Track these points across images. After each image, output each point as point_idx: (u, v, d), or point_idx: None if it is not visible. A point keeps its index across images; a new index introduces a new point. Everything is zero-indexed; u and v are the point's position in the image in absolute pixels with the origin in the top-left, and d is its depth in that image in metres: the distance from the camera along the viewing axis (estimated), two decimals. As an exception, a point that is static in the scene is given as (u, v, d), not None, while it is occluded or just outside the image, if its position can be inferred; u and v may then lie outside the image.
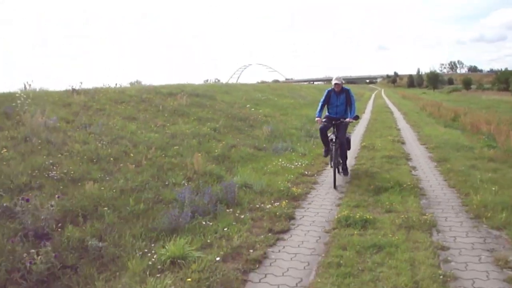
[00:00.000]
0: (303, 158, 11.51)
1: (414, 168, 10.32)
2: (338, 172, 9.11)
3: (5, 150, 7.54)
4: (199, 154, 9.22)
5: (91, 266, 4.78)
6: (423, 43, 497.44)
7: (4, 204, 5.53)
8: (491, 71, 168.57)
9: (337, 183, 8.58)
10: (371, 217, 6.36)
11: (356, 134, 17.51)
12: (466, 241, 5.55)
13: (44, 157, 7.62)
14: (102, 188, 6.77)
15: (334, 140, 8.98)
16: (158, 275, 4.55)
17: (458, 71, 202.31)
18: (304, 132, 16.39)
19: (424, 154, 12.35)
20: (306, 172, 9.87)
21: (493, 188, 7.61)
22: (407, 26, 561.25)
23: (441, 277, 4.45)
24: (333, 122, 9.16)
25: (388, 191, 7.88)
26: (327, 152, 9.53)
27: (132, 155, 8.74)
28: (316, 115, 9.32)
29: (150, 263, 4.83)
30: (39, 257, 4.42)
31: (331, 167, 9.14)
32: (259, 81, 79.61)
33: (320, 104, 9.41)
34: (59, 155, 7.86)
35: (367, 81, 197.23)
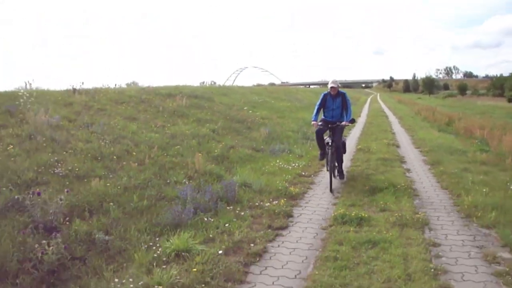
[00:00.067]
0: (300, 159, 11.77)
1: (408, 170, 10.59)
2: (334, 176, 9.04)
3: (11, 147, 7.75)
4: (200, 154, 9.46)
5: (98, 258, 5.01)
6: (419, 48, 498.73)
7: (16, 197, 5.72)
8: (487, 77, 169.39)
9: (333, 186, 8.61)
10: (366, 215, 6.62)
11: (352, 137, 17.78)
12: (457, 238, 5.82)
13: (49, 154, 7.83)
14: (108, 184, 7.01)
15: (330, 143, 8.95)
16: (164, 266, 4.78)
17: (453, 76, 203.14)
18: (301, 134, 16.64)
19: (418, 157, 12.62)
20: (303, 173, 10.12)
21: (484, 190, 7.90)
22: (403, 31, 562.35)
23: (432, 270, 4.71)
24: (329, 125, 9.17)
25: (383, 191, 8.12)
26: (323, 155, 9.49)
27: (134, 153, 8.98)
28: (312, 119, 9.32)
29: (155, 255, 5.07)
30: (51, 247, 4.63)
31: (327, 170, 9.13)
32: (255, 84, 79.75)
33: (316, 108, 9.38)
34: (64, 153, 8.07)
35: (363, 85, 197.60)
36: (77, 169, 7.41)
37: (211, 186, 7.60)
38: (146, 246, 5.35)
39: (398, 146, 14.87)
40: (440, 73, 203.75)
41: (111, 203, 6.40)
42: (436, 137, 17.01)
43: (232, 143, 12.41)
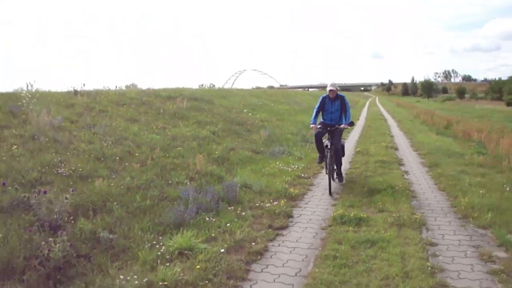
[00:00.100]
0: (300, 161, 11.89)
1: (406, 172, 10.71)
2: (333, 179, 9.03)
3: (15, 147, 7.86)
4: (201, 155, 9.58)
5: (103, 256, 5.12)
6: (418, 51, 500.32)
7: (23, 194, 5.84)
8: (485, 80, 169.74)
9: (332, 189, 8.59)
10: (364, 215, 6.76)
11: (351, 140, 17.92)
12: (454, 238, 5.94)
13: (52, 154, 7.94)
14: (112, 184, 7.12)
15: (329, 146, 8.94)
16: (168, 264, 4.90)
17: (452, 80, 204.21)
18: (300, 137, 16.76)
19: (416, 160, 12.75)
20: (303, 175, 10.24)
21: (481, 191, 8.04)
22: (402, 33, 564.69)
23: (429, 268, 4.83)
24: (328, 128, 9.14)
25: (381, 193, 8.25)
26: (322, 158, 9.47)
27: (137, 154, 9.10)
28: (311, 122, 9.29)
29: (159, 253, 5.19)
30: (57, 245, 4.74)
31: (326, 173, 9.08)
32: (254, 87, 79.96)
33: (315, 111, 9.38)
34: (67, 153, 8.19)
35: (362, 88, 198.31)
36: (80, 169, 7.52)
37: (212, 187, 7.72)
38: (149, 244, 5.47)
39: (396, 149, 15.00)
40: (439, 76, 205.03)
41: (115, 203, 6.53)
42: (434, 140, 17.14)
43: (232, 145, 12.53)
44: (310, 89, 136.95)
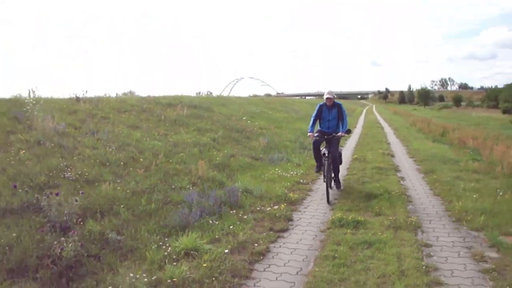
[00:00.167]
0: (298, 168, 12.14)
1: (402, 178, 10.97)
2: (330, 187, 8.99)
3: (23, 151, 8.08)
4: (203, 161, 9.83)
5: (112, 256, 5.34)
6: (414, 59, 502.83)
7: (36, 195, 6.08)
8: (482, 88, 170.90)
9: (330, 197, 8.58)
10: (362, 219, 7.00)
11: (348, 147, 18.17)
12: (448, 240, 6.19)
13: (59, 159, 8.16)
14: (118, 188, 7.36)
15: (326, 154, 8.94)
16: (175, 263, 5.14)
17: (449, 88, 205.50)
18: (298, 144, 17.01)
19: (412, 166, 13.01)
20: (302, 181, 10.48)
21: (475, 196, 8.32)
22: (398, 43, 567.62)
23: (424, 267, 5.09)
24: (325, 136, 9.16)
25: (378, 198, 8.49)
26: (319, 168, 9.47)
27: (141, 160, 9.34)
28: (309, 130, 9.22)
29: (166, 253, 5.43)
30: (70, 244, 4.97)
31: (324, 181, 9.01)
32: (251, 95, 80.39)
33: (312, 119, 9.34)
34: (73, 158, 8.41)
35: (359, 96, 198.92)
36: (86, 174, 7.75)
37: (215, 192, 7.97)
38: (156, 245, 5.70)
39: (393, 156, 15.27)
40: (436, 84, 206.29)
41: (121, 206, 6.77)
42: (430, 147, 17.42)
43: (232, 151, 12.77)
44: (307, 97, 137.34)
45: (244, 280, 4.90)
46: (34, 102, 11.11)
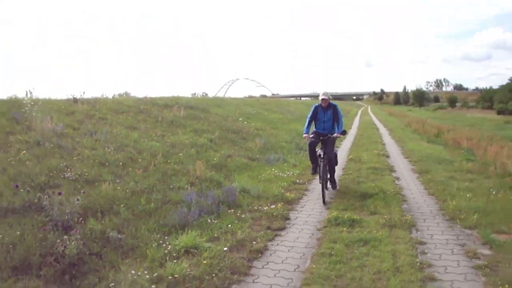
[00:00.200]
0: (294, 168, 12.27)
1: (397, 178, 11.12)
2: (326, 188, 8.95)
3: (24, 152, 8.17)
4: (200, 162, 9.95)
5: (113, 254, 5.46)
6: (409, 60, 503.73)
7: (38, 194, 6.19)
8: (476, 89, 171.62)
9: (326, 198, 8.59)
10: (358, 217, 7.14)
11: (343, 148, 18.32)
12: (441, 237, 6.34)
13: (58, 159, 8.27)
14: (118, 188, 7.47)
15: (322, 155, 8.91)
16: (175, 260, 5.26)
17: (444, 89, 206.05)
18: (294, 145, 17.16)
19: (407, 167, 13.17)
20: (298, 181, 10.61)
21: (468, 195, 8.48)
22: (393, 44, 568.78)
23: (418, 264, 5.23)
24: (321, 137, 9.12)
25: (373, 197, 8.63)
26: (315, 169, 9.43)
27: (140, 160, 9.45)
28: (304, 131, 9.31)
29: (166, 251, 5.54)
30: (73, 242, 5.08)
31: (320, 183, 8.96)
32: (247, 96, 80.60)
33: (307, 120, 9.38)
34: (72, 159, 8.52)
35: (354, 97, 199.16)
36: (86, 174, 7.86)
37: (213, 191, 8.08)
38: (156, 243, 5.81)
39: (388, 156, 15.42)
40: (431, 85, 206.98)
41: (121, 205, 6.89)
42: (425, 148, 17.58)
43: (229, 152, 12.89)
44: (302, 98, 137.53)
45: (243, 276, 5.02)
46: (32, 103, 11.20)
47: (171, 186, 8.43)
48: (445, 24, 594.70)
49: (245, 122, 20.18)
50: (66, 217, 5.91)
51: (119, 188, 7.53)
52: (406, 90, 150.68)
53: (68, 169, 7.93)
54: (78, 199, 6.13)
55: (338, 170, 11.36)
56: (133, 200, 7.27)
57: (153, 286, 4.60)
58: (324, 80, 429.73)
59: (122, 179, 8.17)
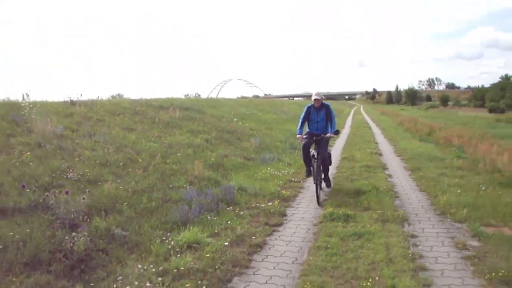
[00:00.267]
0: (289, 167, 12.55)
1: (390, 175, 11.43)
2: (321, 188, 8.98)
3: (28, 153, 8.35)
4: (199, 161, 10.19)
5: (119, 250, 5.70)
6: (401, 60, 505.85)
7: (46, 193, 6.42)
8: (469, 88, 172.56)
9: (320, 199, 8.62)
10: (352, 213, 7.43)
11: (337, 147, 18.62)
12: (432, 231, 6.65)
13: (60, 160, 8.46)
14: (120, 187, 7.70)
15: (315, 156, 8.92)
16: (179, 255, 5.51)
17: (436, 87, 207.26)
18: (289, 144, 17.45)
19: (399, 164, 13.49)
20: (293, 179, 10.88)
21: (458, 191, 8.81)
22: (385, 43, 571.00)
23: (410, 255, 5.52)
24: (314, 138, 9.15)
25: (367, 194, 8.92)
26: (309, 172, 9.43)
27: (140, 160, 9.67)
28: (297, 132, 9.34)
29: (169, 246, 5.80)
30: (81, 238, 5.31)
31: (314, 183, 8.90)
32: (240, 96, 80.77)
33: (300, 121, 9.38)
34: (73, 160, 8.71)
35: (346, 97, 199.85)
36: (88, 174, 8.08)
37: (211, 190, 8.35)
38: (159, 239, 6.06)
39: (380, 155, 15.74)
40: (423, 84, 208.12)
41: (124, 204, 7.13)
42: (417, 146, 17.93)
43: (225, 152, 13.14)
44: (295, 98, 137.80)
45: (244, 269, 5.29)
46: (31, 105, 11.38)
47: (171, 186, 8.67)
48: (438, 24, 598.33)
49: (240, 123, 20.43)
50: (72, 215, 6.14)
51: (121, 187, 7.76)
52: (399, 89, 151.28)
53: (70, 170, 8.14)
54: (84, 198, 6.37)
55: (332, 169, 11.63)
56: (135, 199, 7.51)
57: (160, 278, 4.84)
58: (317, 80, 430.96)
59: (123, 179, 8.39)
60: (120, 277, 4.89)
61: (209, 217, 7.12)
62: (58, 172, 7.84)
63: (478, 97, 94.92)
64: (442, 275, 4.99)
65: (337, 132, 9.26)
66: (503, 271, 4.88)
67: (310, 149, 9.27)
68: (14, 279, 4.68)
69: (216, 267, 5.19)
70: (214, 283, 4.84)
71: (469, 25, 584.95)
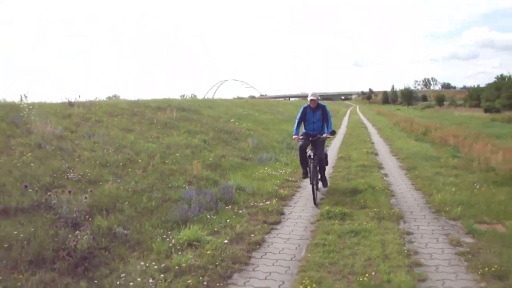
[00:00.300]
0: (286, 167, 12.69)
1: (386, 175, 11.59)
2: (317, 188, 8.92)
3: (29, 154, 8.45)
4: (197, 162, 10.32)
5: (121, 248, 5.82)
6: (398, 60, 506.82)
7: (49, 193, 6.53)
8: (464, 88, 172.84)
9: (317, 200, 8.60)
10: (348, 211, 7.59)
11: (333, 147, 18.78)
12: (427, 228, 6.80)
13: (60, 161, 8.56)
14: (121, 187, 7.83)
15: (312, 156, 8.90)
16: (180, 252, 5.64)
17: (432, 87, 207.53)
18: (285, 144, 17.59)
19: (395, 164, 13.66)
20: (290, 178, 11.02)
21: (453, 189, 8.98)
22: (382, 43, 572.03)
23: (406, 251, 5.68)
24: (310, 138, 9.15)
25: (363, 192, 9.06)
26: (305, 174, 9.40)
27: (140, 161, 9.79)
28: (294, 133, 9.28)
29: (170, 244, 5.93)
30: (84, 237, 5.43)
31: (311, 183, 8.78)
32: (235, 97, 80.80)
33: (296, 121, 9.35)
34: (74, 160, 8.82)
35: (343, 97, 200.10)
36: (88, 175, 8.19)
37: (210, 189, 8.49)
38: (160, 238, 6.19)
39: (376, 154, 15.92)
40: (419, 84, 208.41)
41: (125, 203, 7.26)
42: (413, 146, 18.10)
43: (222, 152, 13.27)
44: (291, 99, 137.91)
45: (244, 266, 5.43)
46: (31, 107, 11.48)
47: (170, 185, 8.80)
48: (433, 24, 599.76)
49: (237, 123, 20.59)
50: (75, 214, 6.25)
51: (121, 187, 7.88)
52: (395, 90, 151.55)
53: (71, 170, 8.25)
54: (86, 197, 6.49)
55: (329, 168, 11.75)
56: (135, 198, 7.64)
57: (162, 275, 4.97)
58: (313, 80, 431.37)
59: (122, 179, 8.50)
60: (123, 274, 5.01)
61: (208, 216, 7.26)
62: (59, 173, 7.95)
63: (473, 97, 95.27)
64: (437, 271, 5.14)
65: (333, 133, 9.27)
66: (495, 266, 5.03)
67: (307, 150, 9.29)
68: (20, 276, 4.78)
69: (217, 263, 5.32)
70: (215, 279, 4.98)
71: (464, 25, 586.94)
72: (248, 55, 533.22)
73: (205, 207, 7.62)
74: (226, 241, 6.08)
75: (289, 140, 18.57)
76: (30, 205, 6.47)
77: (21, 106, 11.68)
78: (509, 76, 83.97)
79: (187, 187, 8.86)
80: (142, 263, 5.27)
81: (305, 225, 7.18)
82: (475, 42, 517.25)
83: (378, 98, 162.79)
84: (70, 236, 5.52)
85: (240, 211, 7.73)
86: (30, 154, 8.47)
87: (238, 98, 71.73)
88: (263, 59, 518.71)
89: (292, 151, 15.81)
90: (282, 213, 7.84)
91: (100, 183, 7.94)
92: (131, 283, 4.78)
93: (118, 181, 8.36)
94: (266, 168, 12.10)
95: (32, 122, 10.57)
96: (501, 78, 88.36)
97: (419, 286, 4.74)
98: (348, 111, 75.19)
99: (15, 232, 5.54)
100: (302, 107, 9.43)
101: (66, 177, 7.93)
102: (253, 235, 6.48)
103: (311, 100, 9.19)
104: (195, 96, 45.61)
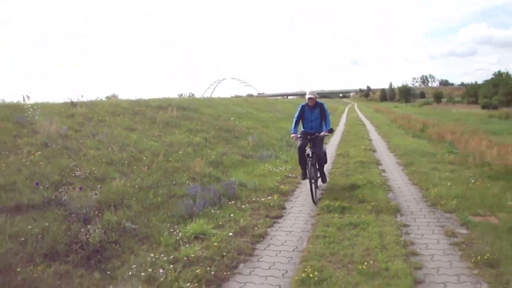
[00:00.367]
0: (286, 164, 12.95)
1: (383, 170, 11.88)
2: (317, 187, 8.96)
3: (38, 153, 8.68)
4: (200, 159, 10.60)
5: (130, 241, 6.08)
6: (396, 57, 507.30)
7: (59, 190, 6.80)
8: (462, 84, 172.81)
9: (317, 193, 8.75)
10: (347, 205, 7.87)
11: (332, 144, 19.05)
12: (424, 220, 7.09)
13: (67, 160, 8.81)
14: (127, 184, 8.09)
15: (310, 155, 8.87)
16: (187, 245, 5.91)
17: (429, 84, 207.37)
18: (285, 142, 17.88)
19: (392, 160, 13.95)
20: (290, 175, 11.30)
21: (449, 184, 9.25)
22: (380, 41, 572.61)
23: (402, 242, 5.96)
24: (309, 137, 9.15)
25: (361, 187, 9.35)
26: (305, 175, 9.24)
27: (144, 159, 10.06)
28: (292, 131, 9.31)
29: (178, 237, 6.20)
30: (96, 231, 5.70)
31: (310, 182, 8.69)
32: (234, 95, 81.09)
33: (294, 120, 9.34)
34: (80, 159, 9.08)
35: (340, 95, 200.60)
36: (95, 172, 8.45)
37: (214, 185, 8.76)
38: (167, 232, 6.46)
39: (374, 151, 16.21)
40: (416, 81, 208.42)
41: (133, 199, 7.53)
42: (410, 143, 18.40)
43: (223, 150, 13.55)
44: (289, 97, 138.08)
45: (249, 257, 5.72)
46: (35, 107, 11.72)
47: (174, 182, 9.06)
48: (431, 21, 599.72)
49: (237, 122, 20.86)
50: (85, 210, 6.52)
51: (128, 184, 8.15)
52: (392, 87, 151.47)
53: (78, 168, 8.50)
54: (96, 194, 6.76)
55: (328, 165, 11.97)
56: (142, 194, 7.90)
57: (171, 266, 5.23)
58: (312, 79, 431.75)
59: (128, 177, 8.77)
60: (134, 265, 5.27)
61: (213, 211, 7.54)
62: (66, 171, 8.20)
63: (471, 93, 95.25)
64: (432, 259, 5.42)
65: (331, 131, 9.29)
66: (488, 255, 5.31)
67: (306, 148, 9.26)
68: (38, 267, 5.03)
69: (223, 255, 5.60)
70: (222, 269, 5.25)
71: (462, 22, 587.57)
72: (248, 55, 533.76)
73: (209, 202, 7.90)
74: (231, 234, 6.36)
75: (288, 138, 18.77)
76: (41, 202, 6.72)
77: (25, 106, 11.93)
78: (507, 73, 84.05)
79: (190, 183, 9.12)
80: (152, 255, 5.53)
81: (306, 218, 7.47)
82: (473, 39, 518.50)
83: (376, 95, 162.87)
84: (82, 230, 5.78)
85: (243, 206, 8.00)
86: (38, 153, 8.71)
87: (236, 96, 71.95)
88: (263, 59, 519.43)
89: (291, 148, 16.08)
90: (284, 208, 8.13)
91: (107, 180, 8.20)
92: (142, 274, 5.04)
93: (124, 178, 8.62)
94: (266, 165, 12.36)
95: (37, 122, 10.80)
96: (499, 74, 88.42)
97: (415, 273, 4.99)
98: (346, 109, 75.54)
99: (29, 227, 5.78)
100: (300, 106, 9.44)
101: (73, 174, 8.18)
102: (256, 228, 6.76)
103: (309, 98, 9.19)
104: (193, 95, 45.92)
